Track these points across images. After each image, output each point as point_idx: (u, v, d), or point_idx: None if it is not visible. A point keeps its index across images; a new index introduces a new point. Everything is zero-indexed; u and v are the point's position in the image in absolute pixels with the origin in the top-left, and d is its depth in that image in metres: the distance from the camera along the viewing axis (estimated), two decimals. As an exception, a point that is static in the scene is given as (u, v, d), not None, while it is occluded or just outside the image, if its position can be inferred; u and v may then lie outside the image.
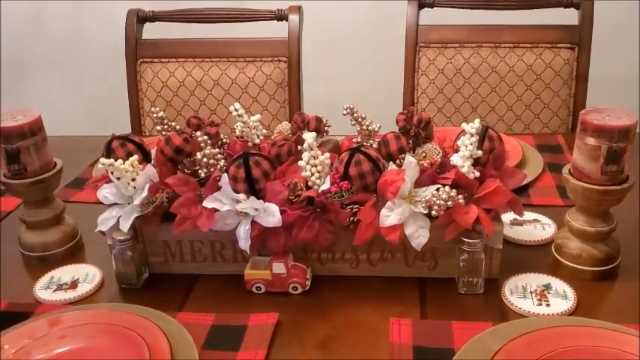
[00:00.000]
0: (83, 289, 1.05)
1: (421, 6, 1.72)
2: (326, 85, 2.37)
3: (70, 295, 1.04)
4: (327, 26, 2.41)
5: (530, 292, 0.98)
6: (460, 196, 0.95)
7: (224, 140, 1.10)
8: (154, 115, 1.08)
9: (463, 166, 0.98)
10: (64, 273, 1.10)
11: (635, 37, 2.33)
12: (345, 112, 1.04)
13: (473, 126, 0.96)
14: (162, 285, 1.07)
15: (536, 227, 1.16)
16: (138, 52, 1.79)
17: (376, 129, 1.05)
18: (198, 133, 1.02)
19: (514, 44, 1.69)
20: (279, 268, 1.01)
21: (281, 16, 1.72)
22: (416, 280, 1.04)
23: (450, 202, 0.93)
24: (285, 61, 1.75)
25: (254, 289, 1.03)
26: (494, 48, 1.69)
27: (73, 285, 1.06)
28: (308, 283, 1.02)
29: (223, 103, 1.78)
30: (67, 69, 2.75)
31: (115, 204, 1.05)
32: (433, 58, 1.72)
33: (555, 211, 1.21)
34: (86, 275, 1.09)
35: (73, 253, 1.16)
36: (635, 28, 2.31)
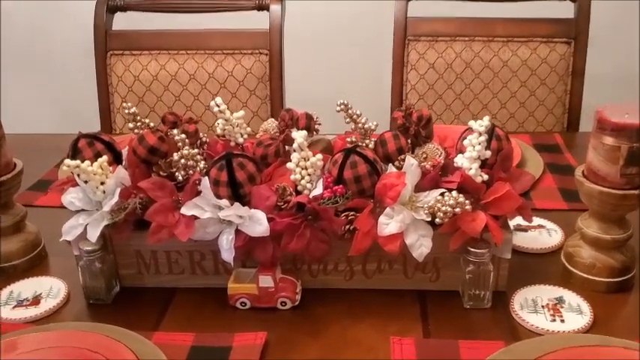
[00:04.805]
0: (46, 305, 0.94)
1: (410, -3, 1.64)
2: (309, 79, 2.27)
3: (32, 312, 0.93)
4: (311, 17, 2.30)
5: (542, 307, 0.90)
6: (468, 201, 0.86)
7: (203, 139, 1.00)
8: (126, 112, 0.98)
9: (470, 169, 0.89)
10: (25, 287, 0.99)
11: (635, 31, 2.27)
12: (338, 108, 0.94)
13: (482, 124, 0.87)
14: (135, 300, 0.97)
15: (541, 233, 1.08)
16: (108, 44, 1.67)
17: (372, 127, 0.96)
18: (175, 132, 0.92)
19: (508, 38, 1.62)
20: (266, 281, 0.91)
21: (262, 6, 1.62)
22: (416, 294, 0.95)
23: (457, 209, 0.85)
24: (266, 54, 1.65)
25: (238, 305, 0.93)
26: (487, 42, 1.62)
27: (35, 301, 0.96)
28: (298, 297, 0.93)
29: (200, 98, 1.68)
30: (31, 62, 2.58)
31: (82, 210, 0.94)
32: (423, 52, 1.65)
33: (560, 215, 1.13)
34: (50, 289, 0.98)
35: (35, 264, 1.05)
36: (635, 22, 2.25)
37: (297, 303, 0.93)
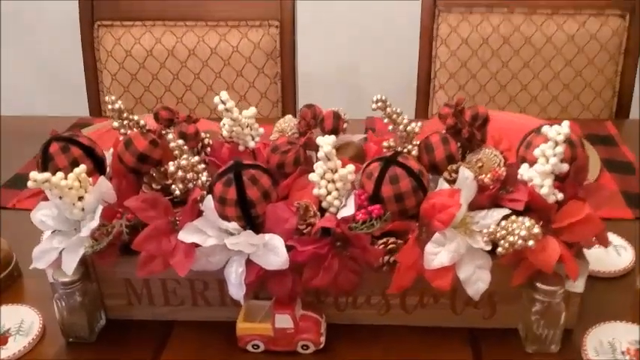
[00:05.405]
0: (16, 346, 0.78)
1: (440, -39, 1.45)
2: (325, 56, 2.08)
3: (-3, 354, 0.77)
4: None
5: (622, 353, 0.74)
6: (541, 230, 0.68)
7: (206, 141, 0.81)
8: (110, 107, 0.79)
9: (542, 186, 0.71)
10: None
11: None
12: (375, 105, 0.76)
13: (560, 131, 0.69)
14: (124, 337, 0.82)
15: (608, 251, 0.90)
16: (94, 12, 1.50)
17: (416, 129, 0.77)
18: (171, 136, 0.73)
19: (553, 10, 1.43)
20: (283, 321, 0.74)
21: (271, -29, 1.44)
22: (466, 333, 0.79)
23: (531, 242, 0.67)
24: (276, 26, 1.47)
25: (250, 348, 0.76)
26: (528, 14, 1.43)
27: (3, 339, 0.80)
28: (322, 340, 0.76)
29: (201, 77, 1.50)
30: (11, 36, 2.36)
31: (57, 231, 0.76)
32: (455, 24, 1.46)
33: (626, 226, 0.97)
34: (21, 323, 0.82)
35: (6, 288, 0.89)
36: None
37: (321, 346, 0.76)
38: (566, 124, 0.70)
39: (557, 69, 1.44)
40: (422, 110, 1.48)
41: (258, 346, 0.76)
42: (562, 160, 0.71)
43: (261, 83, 1.49)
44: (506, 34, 1.43)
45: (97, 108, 1.52)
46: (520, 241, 0.67)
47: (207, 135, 0.82)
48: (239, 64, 1.48)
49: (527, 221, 0.67)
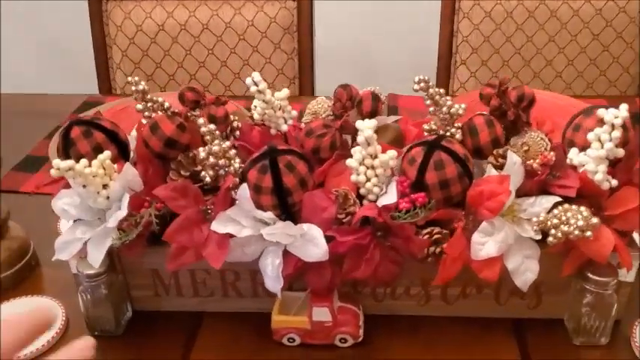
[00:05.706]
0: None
1: None
2: (343, 30, 1.99)
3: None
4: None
5: (675, 345, 0.70)
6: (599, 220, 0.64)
7: (235, 124, 0.77)
8: (133, 88, 0.74)
9: (596, 172, 0.67)
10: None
11: None
12: (417, 86, 0.71)
13: (617, 114, 0.65)
14: (151, 330, 0.78)
15: (649, 235, 0.87)
16: (103, -14, 1.43)
17: (460, 112, 0.73)
18: (201, 120, 0.69)
19: (580, -19, 1.37)
20: (321, 314, 0.71)
21: (287, -59, 1.37)
22: (510, 324, 0.75)
23: (588, 233, 0.63)
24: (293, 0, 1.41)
25: (285, 341, 0.73)
26: (554, -14, 1.37)
27: (24, 333, 0.75)
28: (361, 332, 0.72)
29: (215, 53, 1.44)
30: (16, 11, 2.28)
31: (80, 220, 0.72)
32: (478, -3, 1.39)
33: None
34: (42, 316, 0.77)
35: (23, 279, 0.84)
36: None
37: (360, 339, 0.73)
38: (624, 107, 0.65)
39: (583, 44, 1.38)
40: (443, 87, 1.41)
41: (294, 340, 0.73)
42: (617, 145, 0.68)
43: (277, 59, 1.43)
44: (531, 7, 1.37)
45: (106, 85, 1.46)
46: (577, 232, 0.63)
47: (236, 118, 0.78)
48: (254, 39, 1.42)
49: (583, 210, 0.64)
